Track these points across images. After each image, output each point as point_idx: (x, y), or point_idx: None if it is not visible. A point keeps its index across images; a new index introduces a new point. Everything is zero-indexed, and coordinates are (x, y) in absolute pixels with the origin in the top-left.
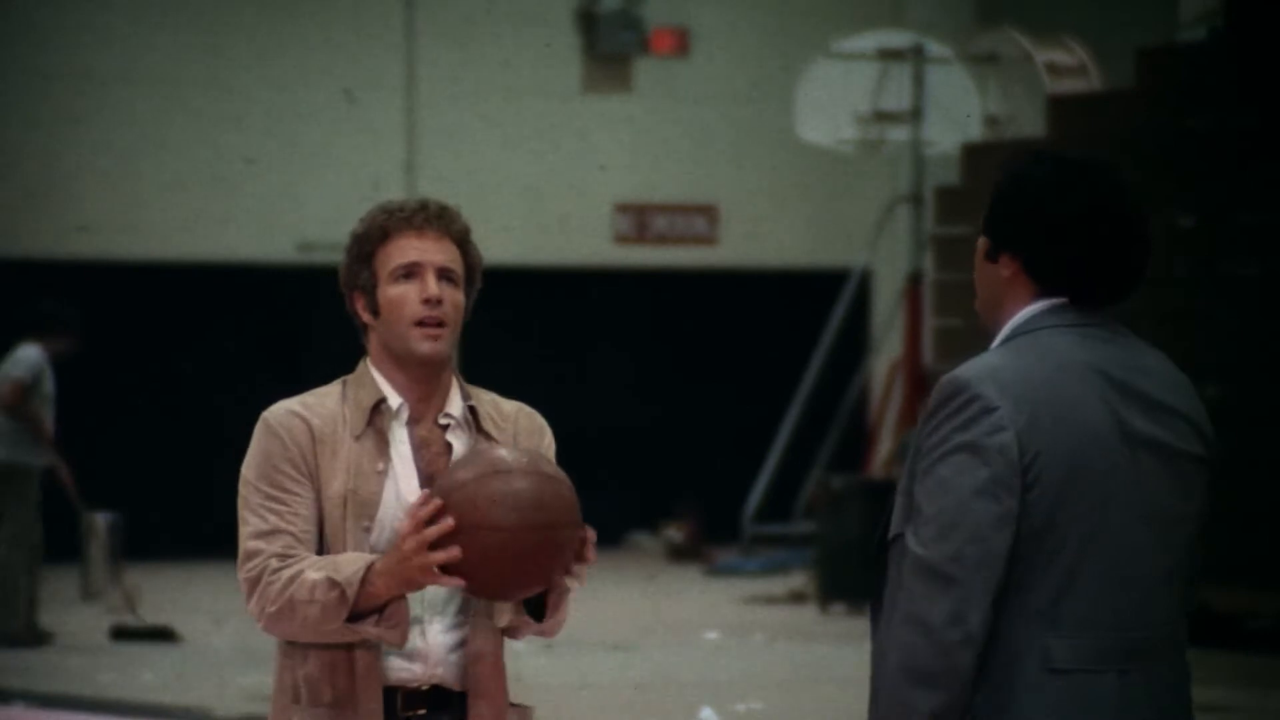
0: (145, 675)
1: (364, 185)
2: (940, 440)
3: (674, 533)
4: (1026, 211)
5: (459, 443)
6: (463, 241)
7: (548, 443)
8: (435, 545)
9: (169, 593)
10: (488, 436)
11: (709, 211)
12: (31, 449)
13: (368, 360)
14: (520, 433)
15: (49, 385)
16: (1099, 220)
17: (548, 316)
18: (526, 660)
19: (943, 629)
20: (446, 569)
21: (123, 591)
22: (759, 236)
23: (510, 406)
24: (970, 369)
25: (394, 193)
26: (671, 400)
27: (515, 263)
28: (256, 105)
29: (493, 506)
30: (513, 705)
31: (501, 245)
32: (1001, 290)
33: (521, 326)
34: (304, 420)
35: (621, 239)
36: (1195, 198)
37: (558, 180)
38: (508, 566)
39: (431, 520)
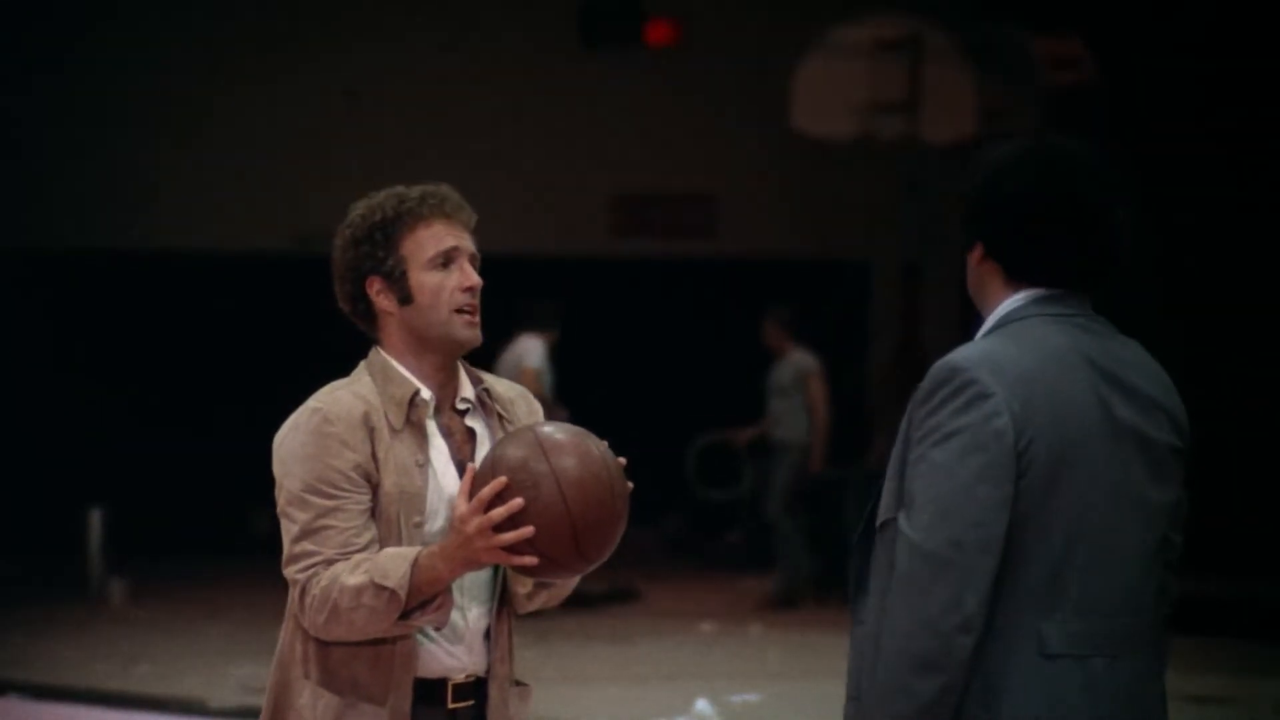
0: (140, 666)
1: (363, 177)
2: (936, 425)
3: (670, 524)
4: (991, 200)
5: (479, 427)
6: (474, 232)
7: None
8: (500, 525)
9: (164, 583)
10: (500, 419)
11: (705, 203)
12: None
13: (381, 351)
14: (521, 420)
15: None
16: (1063, 209)
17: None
18: (520, 652)
19: (941, 615)
20: (514, 548)
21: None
22: (756, 228)
23: (504, 389)
24: (964, 355)
25: (394, 184)
26: (667, 392)
27: (511, 254)
28: (256, 99)
29: (554, 482)
30: (516, 684)
31: (497, 236)
32: (974, 277)
33: (517, 318)
34: (362, 411)
35: (618, 230)
36: (1189, 193)
37: (554, 172)
38: (576, 541)
39: (494, 501)
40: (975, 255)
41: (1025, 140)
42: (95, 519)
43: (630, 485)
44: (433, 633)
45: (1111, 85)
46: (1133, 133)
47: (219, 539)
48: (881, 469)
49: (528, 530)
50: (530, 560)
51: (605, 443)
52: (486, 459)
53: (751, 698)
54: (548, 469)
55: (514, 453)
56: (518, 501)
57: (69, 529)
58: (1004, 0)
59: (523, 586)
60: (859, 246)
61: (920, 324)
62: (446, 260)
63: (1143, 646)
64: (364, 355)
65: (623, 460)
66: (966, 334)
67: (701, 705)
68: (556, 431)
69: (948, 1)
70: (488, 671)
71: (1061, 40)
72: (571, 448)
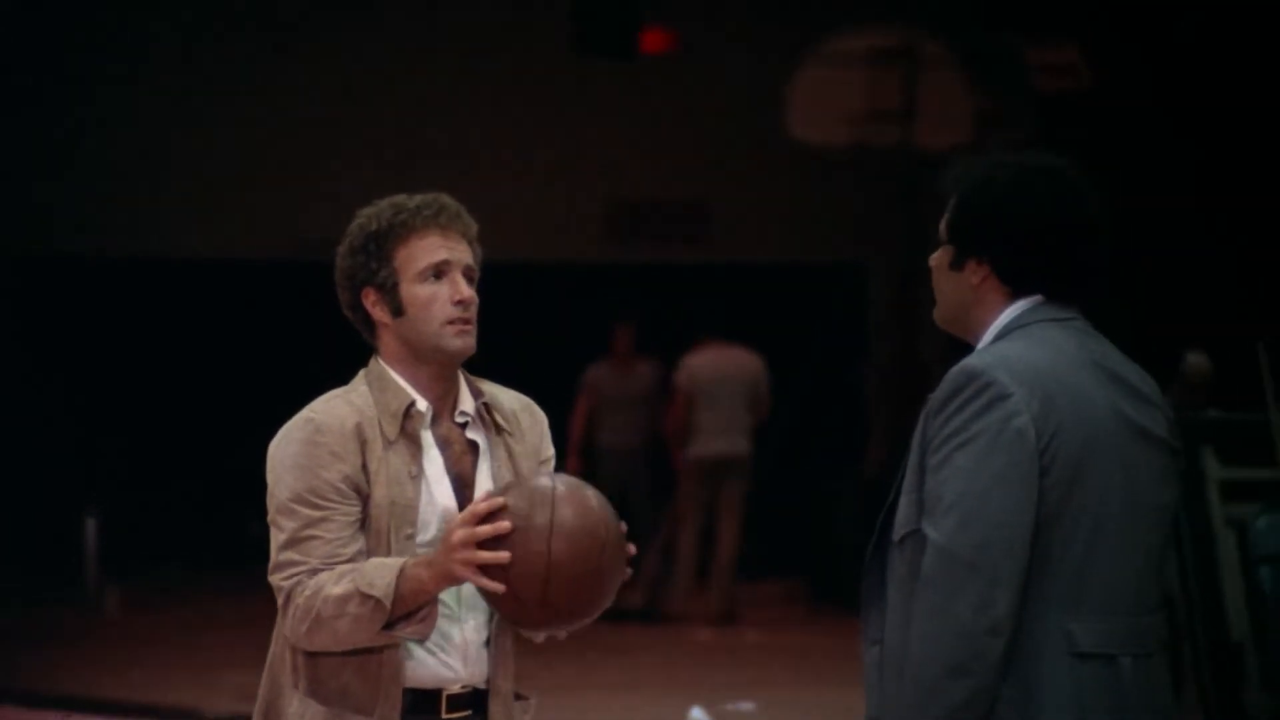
0: (135, 674)
1: (360, 186)
2: (956, 429)
3: (666, 530)
4: (993, 217)
5: (480, 439)
6: (474, 241)
7: (546, 434)
8: (484, 545)
9: (159, 591)
10: (500, 431)
11: (701, 210)
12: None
13: (380, 360)
14: (525, 432)
15: None
16: (1063, 222)
17: (538, 313)
18: (516, 660)
19: (971, 618)
20: (488, 571)
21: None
22: (751, 236)
23: (508, 401)
24: (978, 359)
25: (390, 190)
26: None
27: (506, 259)
28: (254, 106)
29: (547, 527)
30: (518, 698)
31: (492, 242)
32: (970, 297)
33: (512, 323)
34: (355, 422)
35: (612, 236)
36: (1186, 194)
37: (548, 179)
38: (546, 585)
39: (486, 519)
40: (973, 274)
41: (1005, 157)
42: (90, 527)
43: (632, 549)
44: (426, 642)
45: (1106, 93)
46: (1127, 141)
47: (214, 547)
48: (878, 474)
49: (504, 555)
50: (498, 586)
51: (621, 526)
52: (499, 487)
53: (747, 706)
54: (548, 519)
55: (524, 488)
56: (504, 524)
57: (64, 537)
58: (999, 8)
59: None
60: (855, 254)
61: (917, 331)
62: (438, 272)
63: (1158, 645)
64: (364, 363)
65: (624, 525)
66: (961, 340)
67: (697, 713)
68: (555, 485)
69: (942, 10)
70: (488, 683)
71: (1056, 48)
72: (574, 500)
